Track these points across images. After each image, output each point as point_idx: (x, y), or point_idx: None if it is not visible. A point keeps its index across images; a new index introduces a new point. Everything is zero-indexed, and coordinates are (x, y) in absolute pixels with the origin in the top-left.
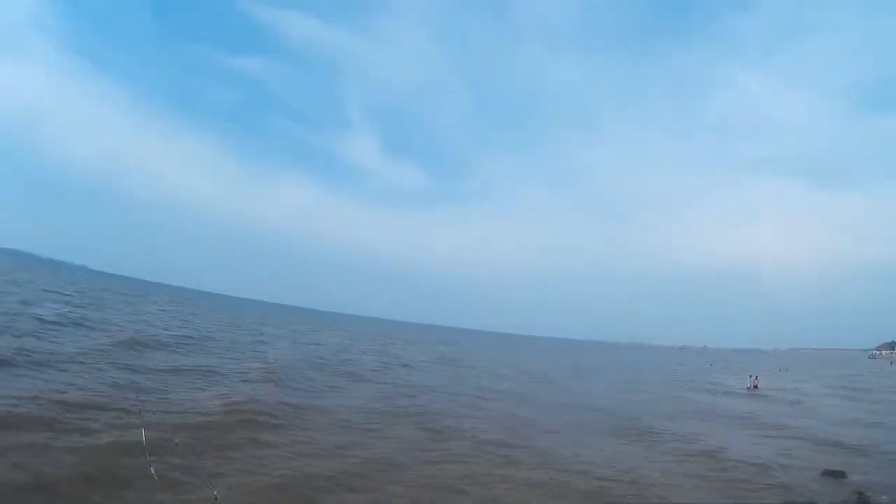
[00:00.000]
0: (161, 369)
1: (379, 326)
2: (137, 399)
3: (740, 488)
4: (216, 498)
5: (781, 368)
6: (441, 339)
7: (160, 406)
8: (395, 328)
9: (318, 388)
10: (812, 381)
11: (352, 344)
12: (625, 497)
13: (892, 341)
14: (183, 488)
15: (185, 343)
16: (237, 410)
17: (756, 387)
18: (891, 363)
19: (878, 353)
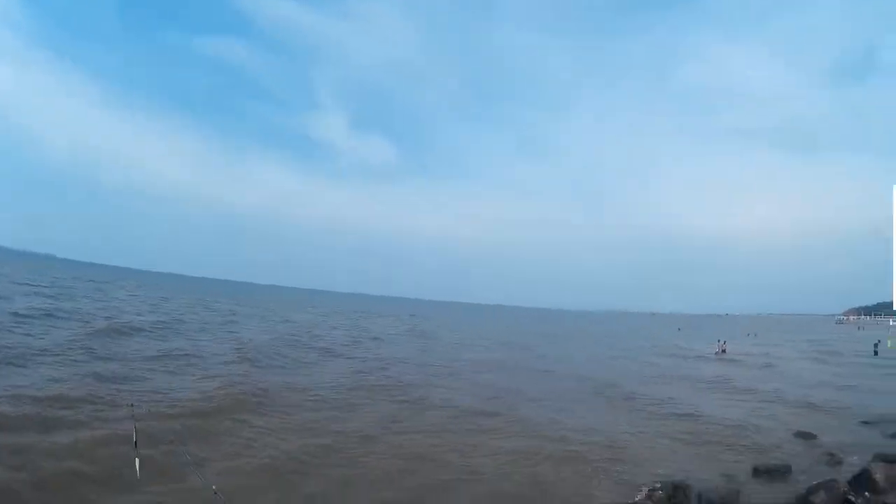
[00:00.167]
0: (139, 357)
1: (349, 301)
2: (118, 390)
3: (715, 450)
4: (215, 492)
5: (749, 333)
6: (413, 312)
7: (142, 396)
8: (365, 303)
9: (292, 365)
10: (781, 346)
11: (323, 320)
12: (601, 461)
13: (860, 307)
14: (175, 479)
15: (158, 328)
16: (218, 395)
17: (724, 351)
18: (858, 328)
19: (845, 318)
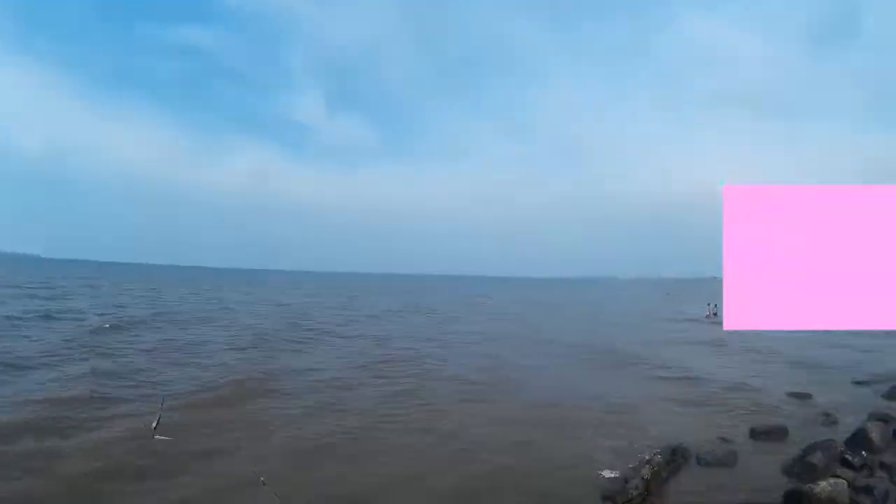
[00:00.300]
0: (143, 349)
1: (340, 280)
2: (130, 386)
3: (711, 411)
4: (263, 483)
5: None
6: (405, 288)
7: (156, 389)
8: (356, 280)
9: (297, 348)
10: None
11: (317, 301)
12: (600, 426)
13: None
14: (208, 470)
15: (157, 320)
16: (230, 383)
17: (714, 314)
18: None
19: None
